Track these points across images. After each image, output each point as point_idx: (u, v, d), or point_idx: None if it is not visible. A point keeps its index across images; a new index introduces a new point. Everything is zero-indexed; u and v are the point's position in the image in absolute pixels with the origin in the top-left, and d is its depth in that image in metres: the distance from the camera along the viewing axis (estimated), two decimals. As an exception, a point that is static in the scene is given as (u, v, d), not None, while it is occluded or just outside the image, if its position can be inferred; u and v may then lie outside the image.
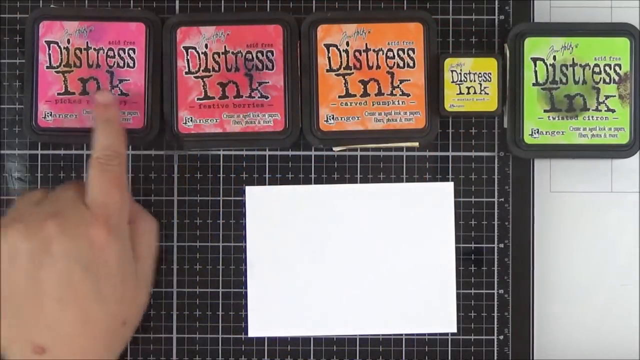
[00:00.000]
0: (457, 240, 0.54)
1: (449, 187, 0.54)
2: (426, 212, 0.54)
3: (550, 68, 0.52)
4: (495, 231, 0.54)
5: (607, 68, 0.52)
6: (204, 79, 0.53)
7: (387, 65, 0.52)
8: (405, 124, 0.52)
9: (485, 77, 0.52)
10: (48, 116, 0.52)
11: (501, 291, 0.54)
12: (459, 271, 0.54)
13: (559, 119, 0.52)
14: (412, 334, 0.54)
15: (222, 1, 0.54)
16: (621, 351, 0.54)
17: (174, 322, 0.54)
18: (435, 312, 0.54)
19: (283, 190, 0.54)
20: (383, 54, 0.52)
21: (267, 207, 0.54)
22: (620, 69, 0.52)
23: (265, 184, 0.54)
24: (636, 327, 0.54)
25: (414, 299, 0.53)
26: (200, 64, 0.53)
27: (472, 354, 0.54)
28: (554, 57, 0.52)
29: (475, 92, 0.52)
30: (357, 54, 0.53)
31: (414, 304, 0.53)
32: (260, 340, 0.54)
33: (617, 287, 0.55)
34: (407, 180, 0.54)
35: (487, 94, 0.52)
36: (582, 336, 0.54)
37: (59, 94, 0.52)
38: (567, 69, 0.52)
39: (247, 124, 0.52)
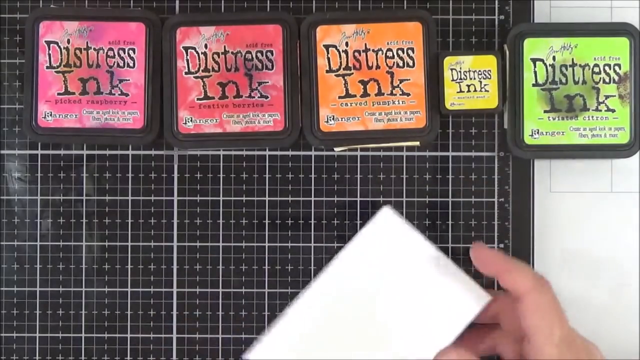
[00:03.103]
0: (457, 240, 0.54)
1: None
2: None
3: (549, 68, 0.52)
4: (495, 231, 0.54)
5: (606, 68, 0.52)
6: (204, 79, 0.53)
7: (387, 65, 0.52)
8: (406, 123, 0.52)
9: (485, 75, 0.52)
10: (48, 116, 0.52)
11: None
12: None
13: (559, 119, 0.52)
14: (412, 334, 0.54)
15: (222, 1, 0.54)
16: (621, 351, 0.54)
17: (174, 322, 0.54)
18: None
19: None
20: (382, 53, 0.52)
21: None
22: (620, 69, 0.52)
23: (265, 184, 0.54)
24: (636, 328, 0.54)
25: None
26: (200, 64, 0.53)
27: (472, 354, 0.54)
28: (554, 58, 0.52)
29: (475, 90, 0.52)
30: (356, 54, 0.52)
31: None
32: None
33: (617, 287, 0.54)
34: (407, 180, 0.54)
35: (487, 91, 0.52)
36: (583, 336, 0.54)
37: (59, 94, 0.52)
38: (566, 69, 0.52)
39: (247, 124, 0.52)
